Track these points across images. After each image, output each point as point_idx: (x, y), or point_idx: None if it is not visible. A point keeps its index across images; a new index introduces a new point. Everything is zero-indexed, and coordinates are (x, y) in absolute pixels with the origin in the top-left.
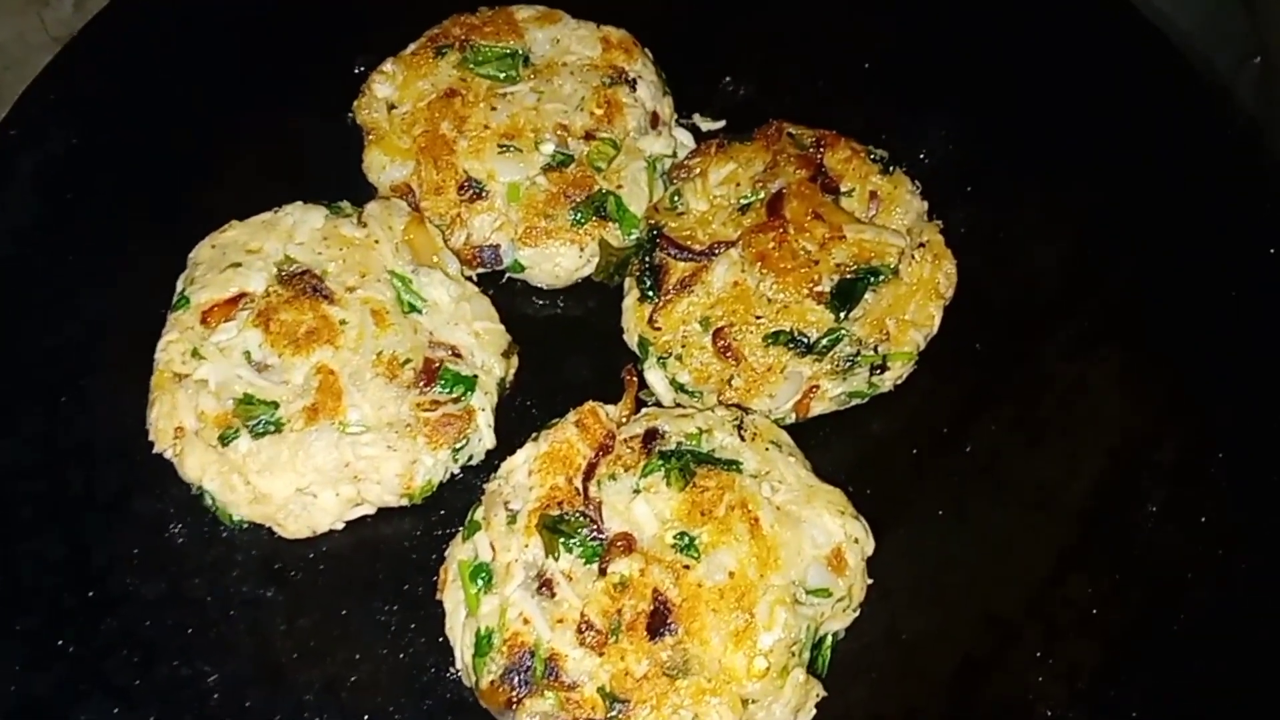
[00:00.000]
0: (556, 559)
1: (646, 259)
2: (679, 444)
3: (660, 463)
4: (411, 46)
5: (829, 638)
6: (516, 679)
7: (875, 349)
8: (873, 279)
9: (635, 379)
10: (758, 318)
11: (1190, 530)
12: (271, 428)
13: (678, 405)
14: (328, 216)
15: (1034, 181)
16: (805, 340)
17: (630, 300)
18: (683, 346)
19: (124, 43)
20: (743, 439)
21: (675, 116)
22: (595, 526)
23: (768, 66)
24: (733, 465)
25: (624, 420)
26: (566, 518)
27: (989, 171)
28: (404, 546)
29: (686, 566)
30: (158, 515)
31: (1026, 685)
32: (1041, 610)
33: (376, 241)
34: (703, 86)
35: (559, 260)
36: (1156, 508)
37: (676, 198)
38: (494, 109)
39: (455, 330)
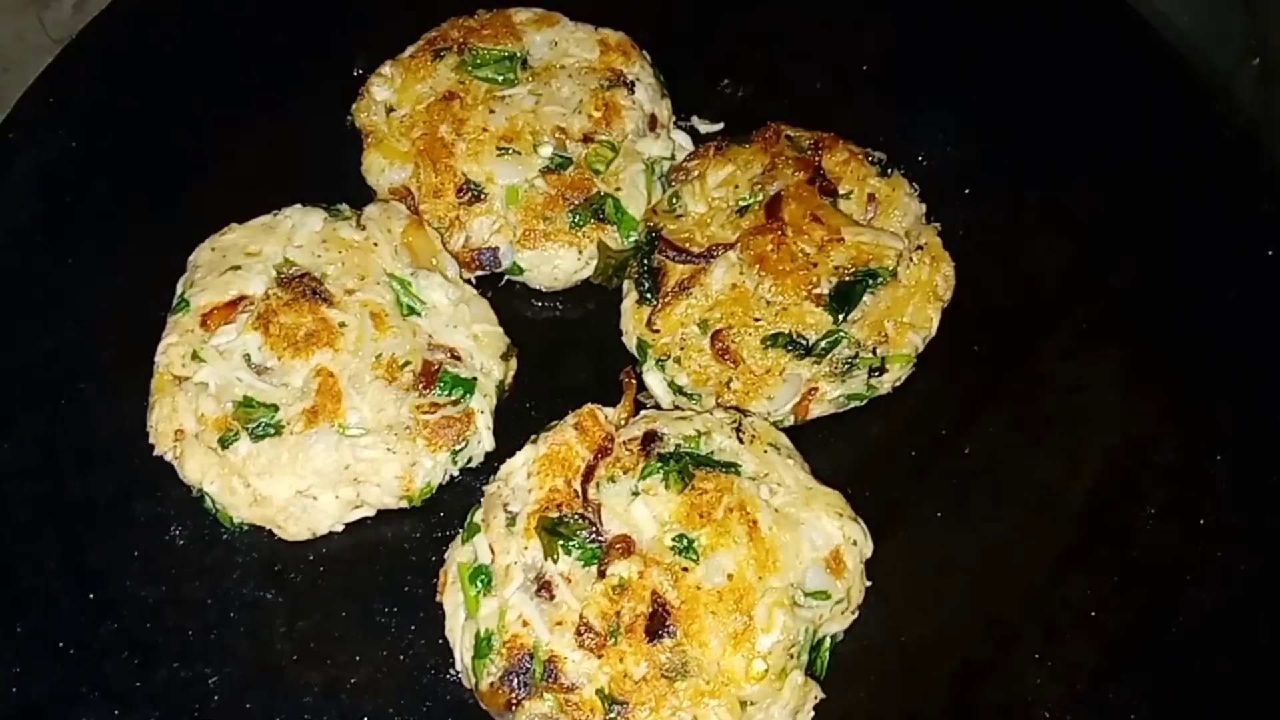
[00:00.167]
0: (555, 561)
1: (645, 261)
2: (678, 446)
3: (659, 465)
4: (410, 49)
5: (828, 640)
6: (516, 681)
7: (874, 351)
8: (871, 281)
9: (634, 381)
10: (756, 320)
11: (1190, 531)
12: (271, 430)
13: (676, 408)
14: (327, 219)
15: (1032, 183)
16: (804, 342)
17: (629, 302)
18: (681, 349)
19: (123, 45)
20: (741, 441)
21: (673, 119)
22: (594, 529)
23: (766, 69)
24: (731, 467)
25: (623, 422)
26: (565, 520)
27: (987, 173)
28: (403, 549)
29: (685, 569)
30: (157, 517)
31: (1025, 687)
32: (1040, 612)
33: (375, 244)
34: (701, 89)
35: (557, 263)
36: (1156, 509)
37: (675, 200)
38: (492, 112)
39: (454, 333)
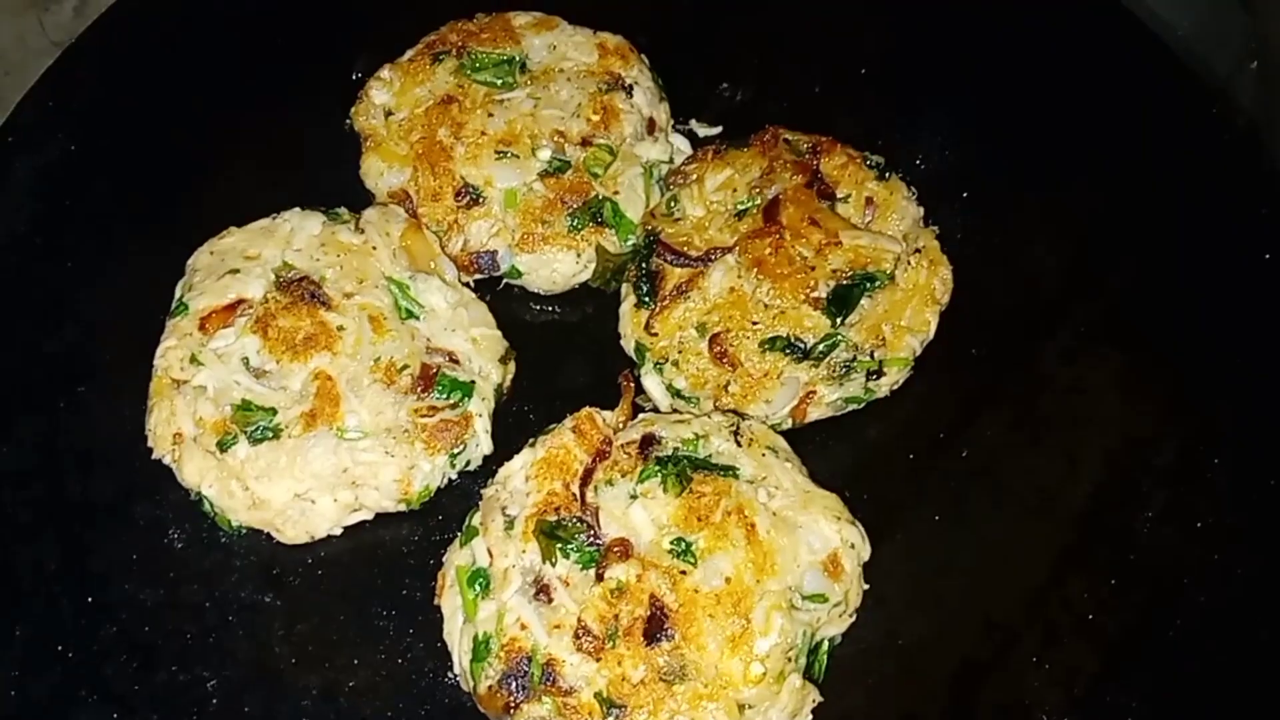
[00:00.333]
0: (554, 564)
1: (643, 265)
2: (675, 449)
3: (657, 468)
4: (409, 53)
5: (825, 643)
6: (514, 684)
7: (871, 355)
8: (869, 285)
9: (632, 384)
10: (754, 323)
11: (1189, 533)
12: (270, 434)
13: (674, 411)
14: (325, 223)
15: (1031, 186)
16: (802, 346)
17: (627, 306)
18: (679, 352)
19: (123, 48)
20: (739, 444)
21: (672, 122)
22: (592, 532)
23: (764, 72)
24: (729, 471)
25: (621, 426)
26: (564, 523)
27: (985, 177)
28: (402, 552)
29: (683, 572)
30: (156, 520)
31: (1024, 690)
32: (1039, 614)
33: (374, 248)
34: (699, 92)
35: (556, 266)
36: (1155, 511)
37: (673, 204)
38: (491, 115)
39: (453, 336)
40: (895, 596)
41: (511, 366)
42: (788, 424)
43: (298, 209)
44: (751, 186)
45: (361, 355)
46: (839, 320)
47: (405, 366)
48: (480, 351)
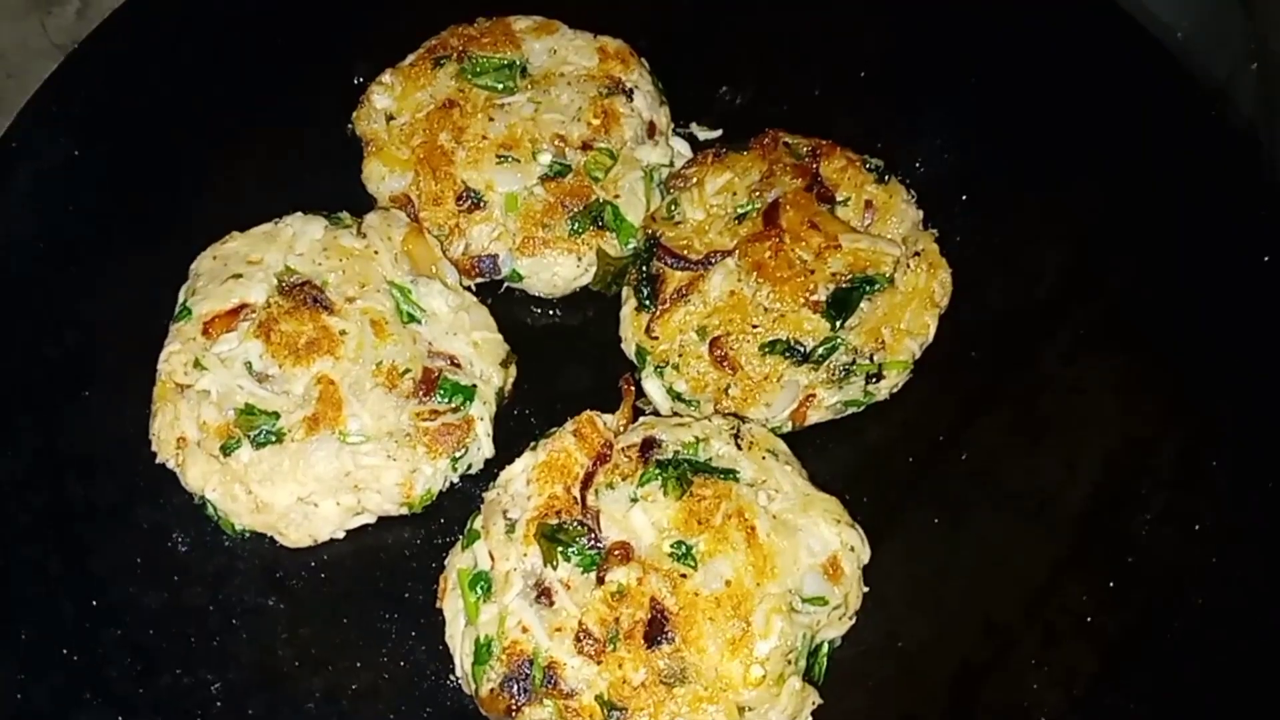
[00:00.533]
0: (555, 568)
1: (644, 268)
2: (676, 453)
3: (657, 471)
4: (410, 58)
5: (825, 645)
6: (516, 687)
7: (871, 358)
8: (868, 288)
9: (633, 388)
10: (754, 327)
11: (1188, 535)
12: (273, 438)
13: (675, 414)
14: (327, 227)
15: (1030, 189)
16: (801, 349)
17: (628, 309)
18: (680, 355)
19: (125, 53)
20: (739, 448)
21: (672, 126)
22: (593, 535)
23: (764, 75)
24: (729, 474)
25: (621, 429)
26: (565, 526)
27: (985, 180)
28: (404, 555)
29: (684, 575)
30: (159, 524)
31: (1023, 692)
32: (1039, 617)
33: (376, 252)
34: (700, 95)
35: (556, 269)
36: (1154, 513)
37: (673, 207)
38: (492, 119)
39: (454, 340)
40: (895, 598)
41: (513, 370)
42: (788, 427)
43: (299, 213)
44: (751, 190)
45: (363, 359)
46: (838, 324)
47: (407, 370)
48: (481, 355)
